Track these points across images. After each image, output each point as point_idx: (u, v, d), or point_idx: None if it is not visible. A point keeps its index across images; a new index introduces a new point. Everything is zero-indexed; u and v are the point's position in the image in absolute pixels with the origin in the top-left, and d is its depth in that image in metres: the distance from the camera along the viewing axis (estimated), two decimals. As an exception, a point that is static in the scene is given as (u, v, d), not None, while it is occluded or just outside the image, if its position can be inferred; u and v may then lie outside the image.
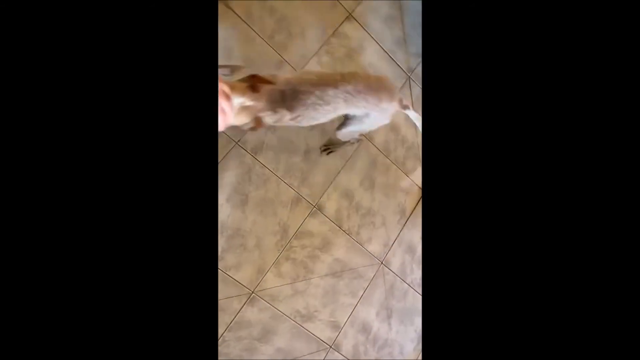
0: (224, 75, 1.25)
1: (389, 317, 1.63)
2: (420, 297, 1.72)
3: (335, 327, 1.51)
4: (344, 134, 1.25)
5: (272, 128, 1.38)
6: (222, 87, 0.82)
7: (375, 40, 1.57)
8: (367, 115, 1.09)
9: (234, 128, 1.02)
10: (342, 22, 1.51)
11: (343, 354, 1.52)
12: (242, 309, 1.34)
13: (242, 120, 0.97)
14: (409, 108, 1.14)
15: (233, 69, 1.25)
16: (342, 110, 1.04)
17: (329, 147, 1.45)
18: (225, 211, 1.32)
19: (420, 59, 1.67)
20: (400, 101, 1.11)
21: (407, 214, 1.66)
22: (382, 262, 1.60)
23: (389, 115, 1.12)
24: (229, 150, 1.32)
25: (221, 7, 1.30)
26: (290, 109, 0.98)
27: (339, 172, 1.50)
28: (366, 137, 1.54)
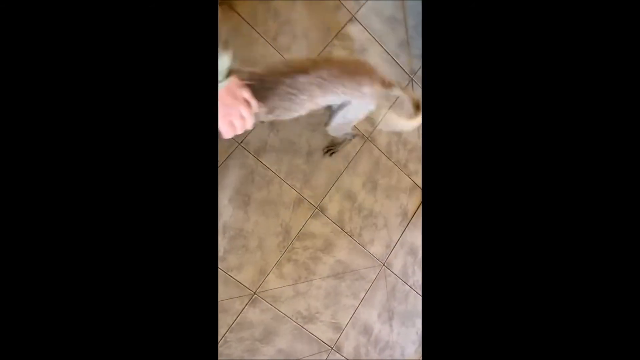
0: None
1: (390, 319, 1.63)
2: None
3: (337, 328, 1.51)
4: (334, 128, 1.20)
5: (274, 129, 1.38)
6: (243, 94, 0.79)
7: (378, 42, 1.57)
8: (349, 102, 1.04)
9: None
10: (346, 24, 1.51)
11: (344, 355, 1.52)
12: (244, 310, 1.34)
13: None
14: (393, 86, 1.06)
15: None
16: (320, 97, 0.98)
17: (331, 148, 1.45)
18: (228, 212, 1.32)
19: (423, 61, 1.66)
20: (382, 81, 1.04)
21: (409, 216, 1.66)
22: (384, 264, 1.60)
23: (374, 100, 1.05)
24: (232, 152, 1.32)
25: (224, 9, 1.30)
26: (262, 101, 0.92)
27: (341, 174, 1.50)
28: (369, 139, 1.54)
